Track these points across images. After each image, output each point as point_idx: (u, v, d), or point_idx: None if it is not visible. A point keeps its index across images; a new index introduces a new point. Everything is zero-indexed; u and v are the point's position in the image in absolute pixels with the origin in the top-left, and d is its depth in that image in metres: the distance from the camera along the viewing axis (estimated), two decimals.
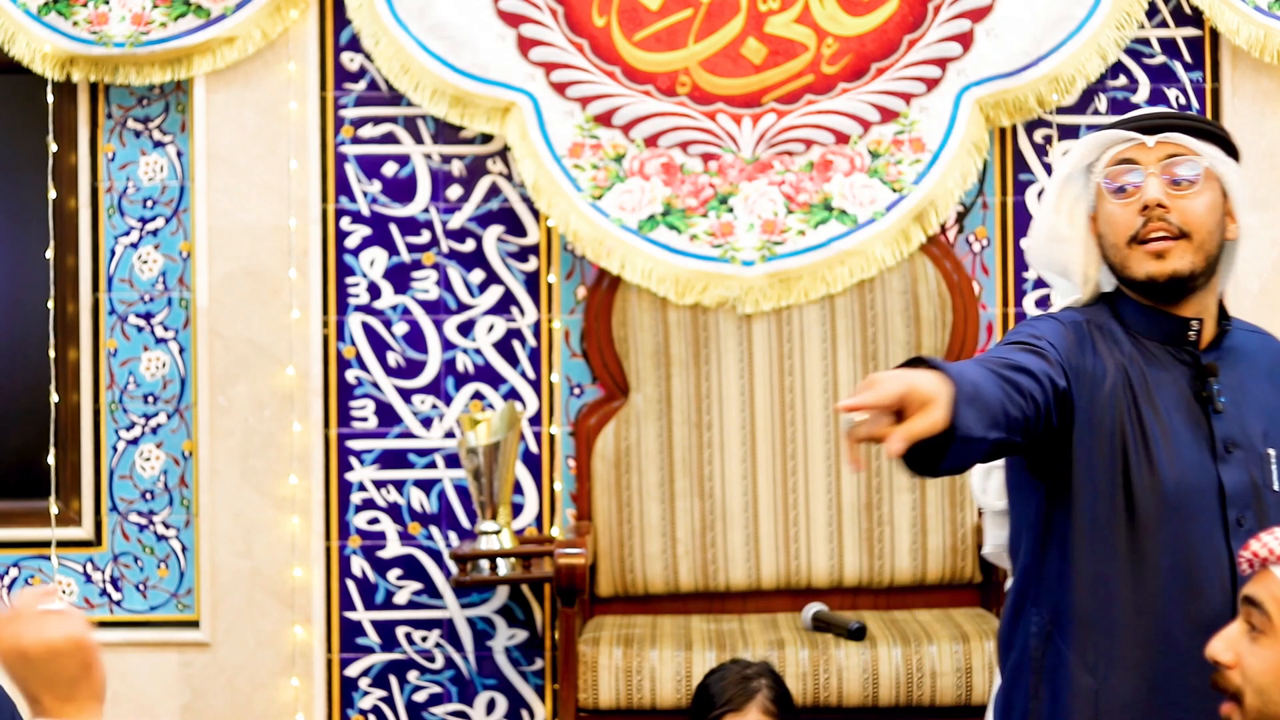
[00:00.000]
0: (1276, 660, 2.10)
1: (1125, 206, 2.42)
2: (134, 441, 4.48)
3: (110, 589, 4.48)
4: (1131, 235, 2.41)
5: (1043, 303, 4.46)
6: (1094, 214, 2.49)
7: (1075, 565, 2.36)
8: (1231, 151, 2.47)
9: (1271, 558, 2.13)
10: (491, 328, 4.49)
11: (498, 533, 4.21)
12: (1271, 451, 2.39)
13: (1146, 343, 2.44)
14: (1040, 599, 2.41)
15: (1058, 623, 2.40)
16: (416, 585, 4.48)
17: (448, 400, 4.48)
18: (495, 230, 4.49)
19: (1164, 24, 4.45)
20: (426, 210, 4.49)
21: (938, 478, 2.39)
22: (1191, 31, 4.45)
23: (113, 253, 4.49)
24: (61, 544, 4.48)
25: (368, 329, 4.48)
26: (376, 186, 4.49)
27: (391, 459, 4.48)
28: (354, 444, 4.48)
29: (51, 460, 4.45)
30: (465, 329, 4.49)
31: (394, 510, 4.48)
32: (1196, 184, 2.41)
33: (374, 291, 4.48)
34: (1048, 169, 4.45)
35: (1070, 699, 2.36)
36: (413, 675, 4.48)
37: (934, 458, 2.15)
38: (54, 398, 4.45)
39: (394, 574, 4.48)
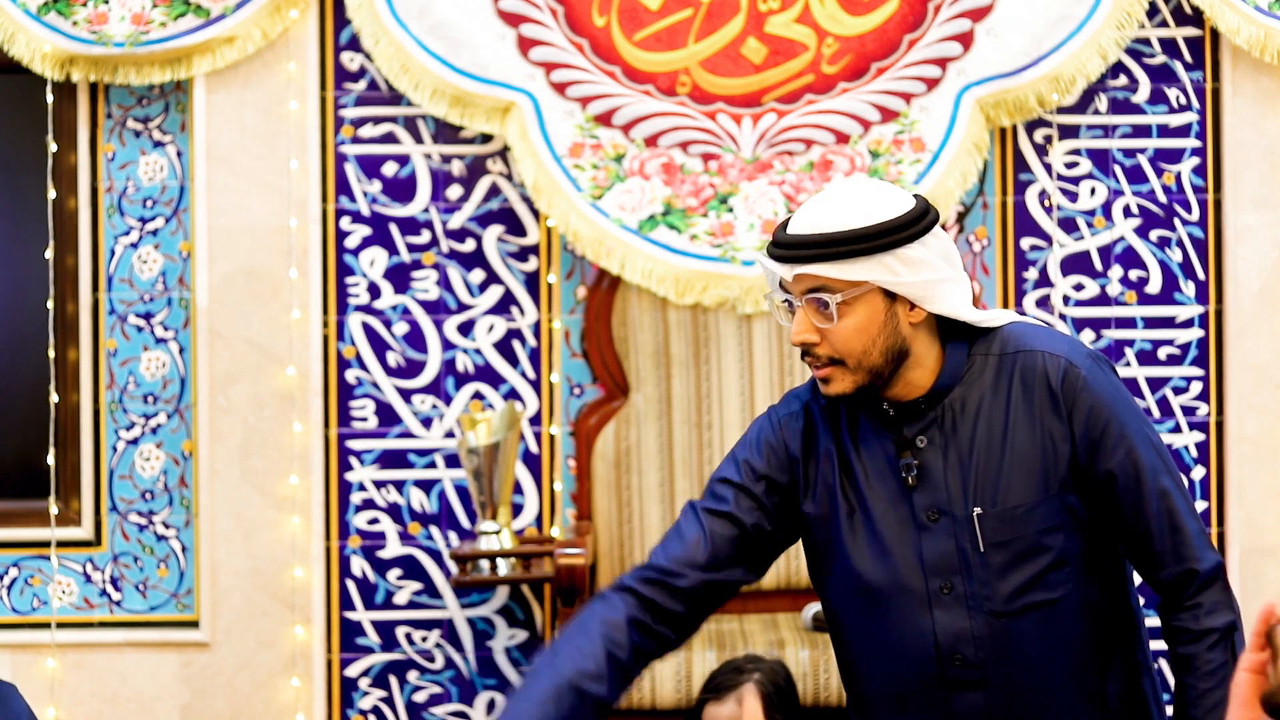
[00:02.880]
0: None
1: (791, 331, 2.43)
2: (134, 441, 4.48)
3: (110, 589, 4.48)
4: (802, 355, 2.43)
5: (1043, 303, 4.46)
6: None
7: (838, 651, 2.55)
8: (892, 234, 2.36)
9: None
10: (491, 328, 4.49)
11: (498, 533, 4.21)
12: (977, 510, 2.37)
13: (862, 417, 2.46)
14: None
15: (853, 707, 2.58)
16: (416, 585, 4.48)
17: (448, 400, 4.48)
18: (495, 230, 4.49)
19: (1164, 24, 4.45)
20: (426, 210, 4.49)
21: None
22: (1192, 31, 4.45)
23: (113, 253, 4.48)
24: (61, 544, 4.48)
25: (368, 329, 4.48)
26: (376, 186, 4.49)
27: (391, 459, 4.48)
28: (354, 444, 4.48)
29: (51, 460, 4.44)
30: (465, 329, 4.49)
31: (394, 510, 4.48)
32: (834, 315, 2.36)
33: (374, 291, 4.48)
34: (1048, 169, 4.45)
35: None
36: (413, 675, 4.48)
37: None
38: (54, 398, 4.45)
39: (394, 574, 4.48)
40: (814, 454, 2.47)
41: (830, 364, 2.38)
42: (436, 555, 4.48)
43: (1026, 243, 4.46)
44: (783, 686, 3.47)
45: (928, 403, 2.42)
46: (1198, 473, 4.44)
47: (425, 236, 4.49)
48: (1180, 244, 4.45)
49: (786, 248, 2.37)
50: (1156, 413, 4.44)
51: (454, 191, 4.49)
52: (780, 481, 2.46)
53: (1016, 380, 2.41)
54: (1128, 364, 4.44)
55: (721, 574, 2.44)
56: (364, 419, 4.48)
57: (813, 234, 2.35)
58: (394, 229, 4.49)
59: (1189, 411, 4.45)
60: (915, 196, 2.41)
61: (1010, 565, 2.37)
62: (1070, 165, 4.46)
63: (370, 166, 4.48)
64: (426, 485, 4.48)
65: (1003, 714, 2.41)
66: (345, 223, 4.49)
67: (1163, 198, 4.46)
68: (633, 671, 2.38)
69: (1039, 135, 4.46)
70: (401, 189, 4.49)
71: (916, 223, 2.37)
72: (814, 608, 4.14)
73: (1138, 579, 2.50)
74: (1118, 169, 4.46)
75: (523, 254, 4.49)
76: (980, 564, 2.38)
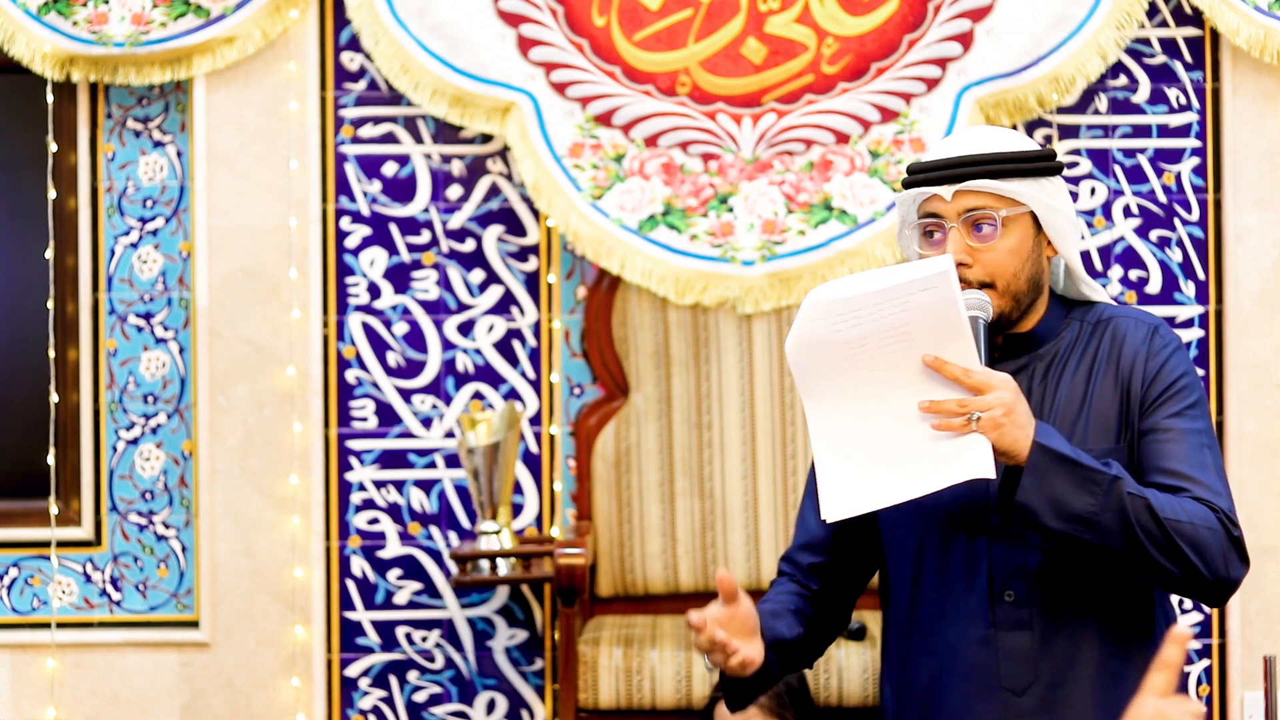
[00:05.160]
0: None
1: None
2: (134, 441, 4.48)
3: (110, 589, 4.48)
4: None
5: None
6: None
7: None
8: (1044, 161, 2.47)
9: None
10: (491, 328, 4.49)
11: (498, 533, 4.21)
12: None
13: None
14: None
15: None
16: (416, 585, 4.48)
17: (448, 400, 4.48)
18: (495, 230, 4.49)
19: (1164, 24, 4.45)
20: (426, 210, 4.49)
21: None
22: (1191, 31, 4.45)
23: (113, 253, 4.49)
24: (61, 544, 4.48)
25: (368, 329, 4.48)
26: (376, 186, 4.49)
27: (391, 459, 4.48)
28: (354, 444, 4.48)
29: (51, 460, 4.44)
30: (465, 329, 4.49)
31: (394, 510, 4.48)
32: (996, 233, 2.42)
33: (374, 291, 4.48)
34: None
35: None
36: (413, 675, 4.48)
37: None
38: (54, 398, 4.45)
39: (394, 574, 4.48)
40: None
41: (980, 288, 2.42)
42: (436, 555, 4.48)
43: None
44: (795, 686, 3.48)
45: (1018, 347, 2.48)
46: None
47: (425, 236, 4.49)
48: (1180, 244, 4.45)
49: (947, 168, 2.43)
50: None
51: (454, 191, 4.49)
52: None
53: (1105, 341, 2.48)
54: None
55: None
56: (364, 419, 4.48)
57: (978, 153, 2.43)
58: (394, 229, 4.49)
59: None
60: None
61: None
62: (1070, 165, 4.46)
63: (370, 166, 4.48)
64: (426, 485, 4.48)
65: (1045, 661, 2.42)
66: (345, 223, 4.49)
67: (1163, 198, 4.46)
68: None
69: (1039, 135, 4.46)
70: (401, 189, 4.49)
71: (1050, 159, 2.47)
72: None
73: None
74: (1118, 169, 4.46)
75: (523, 254, 4.49)
76: None
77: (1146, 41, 4.45)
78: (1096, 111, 4.45)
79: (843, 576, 2.61)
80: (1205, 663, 4.42)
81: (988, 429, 2.27)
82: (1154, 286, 4.45)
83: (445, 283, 4.48)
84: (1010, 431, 2.27)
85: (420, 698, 4.48)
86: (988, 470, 2.28)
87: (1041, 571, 2.41)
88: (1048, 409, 2.45)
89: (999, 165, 2.42)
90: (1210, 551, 2.31)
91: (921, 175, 2.46)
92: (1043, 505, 2.28)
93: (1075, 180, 4.46)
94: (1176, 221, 4.46)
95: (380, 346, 4.48)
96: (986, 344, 2.39)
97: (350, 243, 4.48)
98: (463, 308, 4.49)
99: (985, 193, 2.42)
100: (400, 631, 4.48)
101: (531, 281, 4.49)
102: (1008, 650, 2.43)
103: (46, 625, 4.47)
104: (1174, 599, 2.54)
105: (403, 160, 4.49)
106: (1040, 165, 2.45)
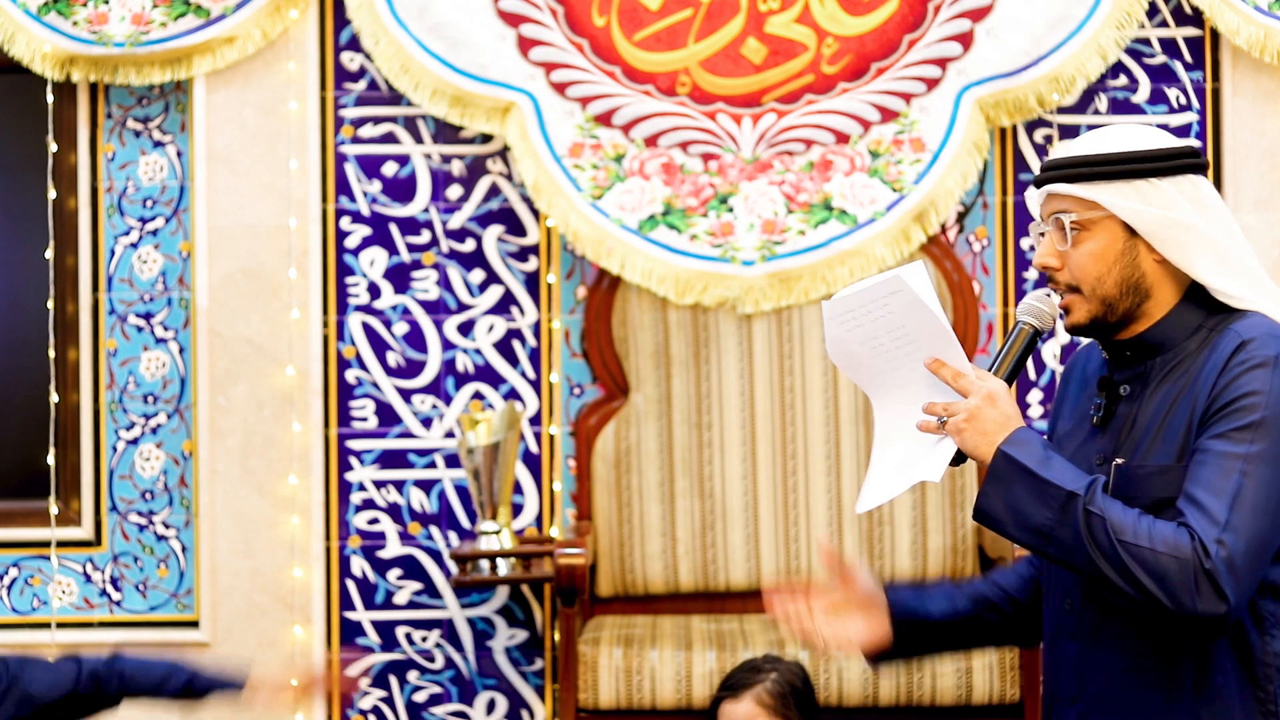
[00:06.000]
0: None
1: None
2: (134, 441, 4.48)
3: (110, 589, 4.48)
4: (1045, 280, 2.47)
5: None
6: None
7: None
8: (1137, 162, 2.39)
9: None
10: (491, 328, 4.49)
11: (498, 533, 4.21)
12: (1118, 461, 2.36)
13: (1096, 357, 2.52)
14: None
15: None
16: (416, 585, 4.48)
17: (448, 400, 4.48)
18: (495, 230, 4.49)
19: (1164, 24, 4.45)
20: (426, 210, 4.49)
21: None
22: (1191, 31, 4.45)
23: (112, 253, 4.48)
24: (61, 544, 4.48)
25: (368, 329, 4.48)
26: (376, 186, 4.49)
27: (391, 459, 4.48)
28: (354, 444, 4.48)
29: (51, 460, 4.44)
30: (465, 329, 4.49)
31: (394, 510, 4.48)
32: (1073, 236, 2.39)
33: (374, 291, 4.48)
34: None
35: None
36: (413, 675, 4.48)
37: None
38: (54, 398, 4.45)
39: (394, 574, 4.48)
40: (1066, 386, 2.55)
41: (1069, 291, 2.41)
42: (436, 555, 4.48)
43: (1026, 242, 4.46)
44: (800, 687, 3.47)
45: (1134, 352, 2.42)
46: None
47: (425, 236, 4.49)
48: None
49: (1043, 170, 2.43)
50: None
51: (454, 191, 4.49)
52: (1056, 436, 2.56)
53: (1206, 352, 2.39)
54: None
55: None
56: (364, 419, 4.48)
57: (1061, 157, 2.42)
58: (394, 229, 4.49)
59: None
60: (1186, 141, 2.44)
61: None
62: None
63: (370, 166, 4.48)
64: (426, 485, 4.48)
65: (1090, 670, 2.40)
66: (345, 223, 4.49)
67: None
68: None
69: (1039, 135, 4.46)
70: (401, 189, 4.49)
71: (1164, 160, 2.39)
72: None
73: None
74: None
75: (523, 254, 4.49)
76: None
77: (1146, 41, 4.45)
78: (1097, 111, 4.45)
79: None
80: None
81: (952, 432, 2.30)
82: None
83: (445, 283, 4.48)
84: (971, 437, 2.29)
85: (420, 698, 4.48)
86: (934, 475, 2.32)
87: (1088, 580, 2.38)
88: (1137, 421, 2.40)
89: (1072, 169, 2.39)
90: (1170, 580, 2.21)
91: (1039, 175, 2.46)
92: (1004, 514, 2.29)
93: None
94: None
95: (380, 346, 4.48)
96: (1023, 352, 2.39)
97: (350, 243, 4.48)
98: (463, 308, 4.49)
99: (1067, 196, 2.40)
100: (400, 631, 4.48)
101: (531, 281, 4.49)
102: (1060, 658, 2.44)
103: (46, 625, 4.47)
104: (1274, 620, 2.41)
105: (403, 160, 4.49)
106: (1123, 168, 2.38)
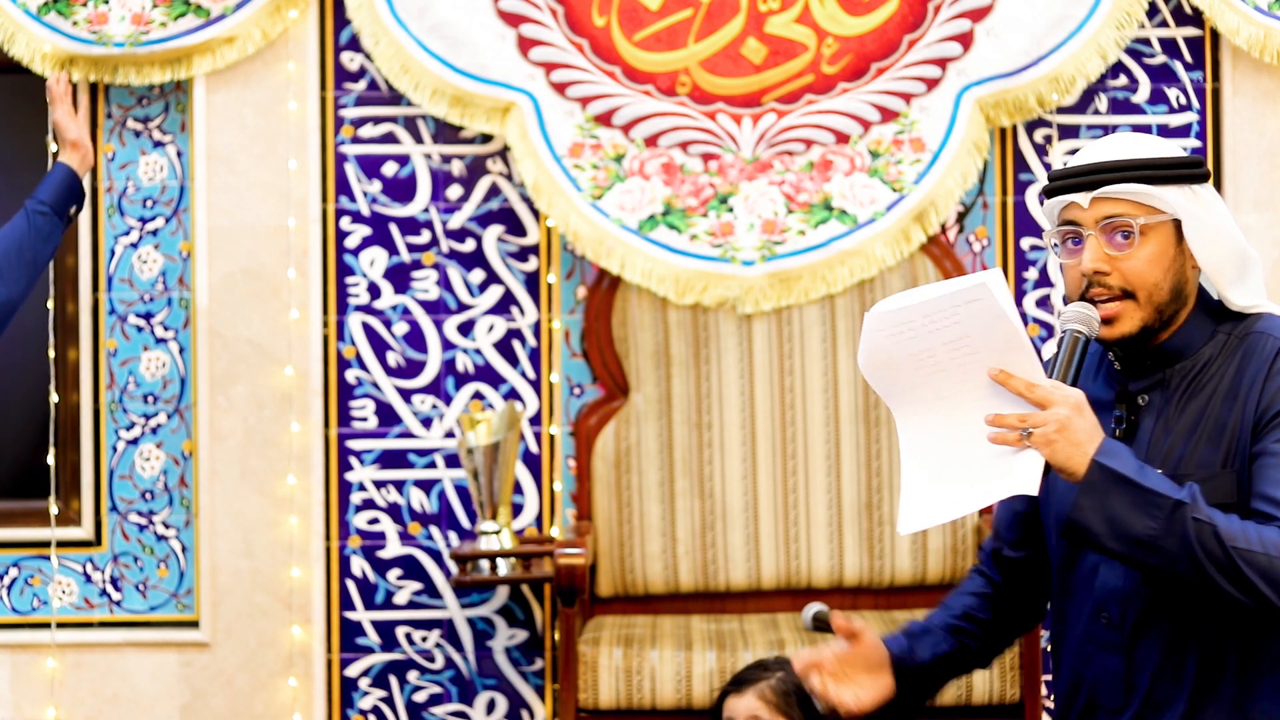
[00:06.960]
0: None
1: (1072, 268, 2.41)
2: (134, 441, 4.48)
3: (110, 589, 4.48)
4: (1080, 295, 2.39)
5: (1043, 303, 4.46)
6: None
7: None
8: (1187, 168, 2.40)
9: None
10: (491, 328, 4.49)
11: (498, 533, 4.21)
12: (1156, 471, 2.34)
13: (1106, 365, 2.48)
14: None
15: None
16: (416, 585, 4.48)
17: (448, 400, 4.48)
18: (495, 230, 4.49)
19: (1164, 24, 4.45)
20: (426, 210, 4.49)
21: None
22: (1191, 31, 4.45)
23: (113, 253, 4.48)
24: (61, 544, 4.48)
25: (368, 329, 4.48)
26: (376, 186, 4.49)
27: (391, 459, 4.48)
28: (354, 444, 4.48)
29: (51, 460, 4.44)
30: (465, 329, 4.49)
31: (394, 510, 4.48)
32: (1135, 241, 2.36)
33: (374, 291, 4.48)
34: (1048, 169, 4.45)
35: None
36: (413, 675, 4.48)
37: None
38: (54, 398, 4.45)
39: (394, 574, 4.48)
40: None
41: (1122, 297, 2.36)
42: (436, 555, 4.48)
43: (1026, 243, 4.46)
44: (804, 687, 3.48)
45: (1153, 360, 2.41)
46: None
47: (425, 236, 4.49)
48: None
49: (1085, 174, 2.37)
50: None
51: (454, 191, 4.49)
52: None
53: (1238, 358, 2.38)
54: None
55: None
56: (364, 419, 4.48)
57: (1119, 159, 2.37)
58: (394, 229, 4.49)
59: None
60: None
61: None
62: None
63: (370, 166, 4.48)
64: (426, 485, 4.48)
65: (1141, 682, 2.39)
66: (345, 223, 4.49)
67: None
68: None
69: (1039, 135, 4.46)
70: (401, 189, 4.49)
71: (1199, 166, 2.39)
72: (814, 608, 4.12)
73: None
74: None
75: (523, 254, 4.49)
76: None
77: (1146, 41, 4.45)
78: (1096, 111, 4.45)
79: (1025, 571, 2.60)
80: None
81: (1040, 445, 2.23)
82: None
83: (445, 283, 4.48)
84: (1063, 449, 2.23)
85: (420, 698, 4.48)
86: (1031, 487, 2.25)
87: (1132, 595, 2.37)
88: (1170, 428, 2.39)
89: (1141, 171, 2.36)
90: None
91: (1060, 182, 2.40)
92: (1100, 526, 2.23)
93: None
94: None
95: (380, 346, 4.48)
96: (1079, 361, 2.33)
97: (350, 243, 4.48)
98: (463, 308, 4.49)
99: (1123, 199, 2.36)
100: (400, 631, 4.48)
101: (531, 281, 4.49)
102: (1100, 672, 2.42)
103: (46, 625, 4.47)
104: None
105: (403, 160, 4.49)
106: (1184, 172, 2.38)
